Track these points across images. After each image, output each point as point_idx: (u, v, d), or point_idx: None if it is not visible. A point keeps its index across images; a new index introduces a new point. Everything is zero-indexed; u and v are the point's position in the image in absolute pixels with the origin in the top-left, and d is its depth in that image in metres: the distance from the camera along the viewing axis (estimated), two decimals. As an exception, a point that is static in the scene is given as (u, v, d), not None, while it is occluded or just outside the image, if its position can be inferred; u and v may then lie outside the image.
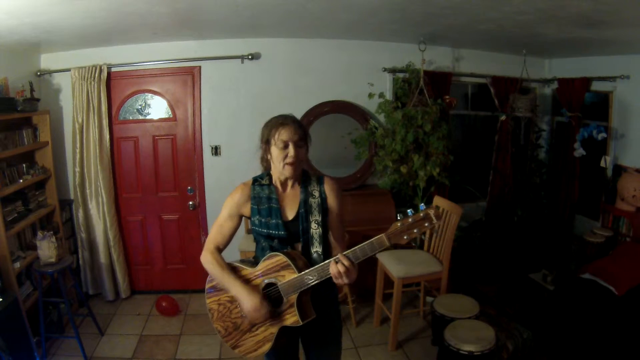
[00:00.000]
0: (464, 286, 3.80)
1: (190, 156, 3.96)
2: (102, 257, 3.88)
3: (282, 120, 1.73)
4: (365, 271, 3.53)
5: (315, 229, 1.75)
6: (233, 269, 1.77)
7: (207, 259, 1.79)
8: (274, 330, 1.73)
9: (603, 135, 3.84)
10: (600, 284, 3.07)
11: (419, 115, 3.63)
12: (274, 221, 1.75)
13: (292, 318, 1.69)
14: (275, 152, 1.71)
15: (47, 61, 3.73)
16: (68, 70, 3.64)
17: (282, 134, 1.69)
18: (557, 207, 4.39)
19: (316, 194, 1.79)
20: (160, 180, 4.00)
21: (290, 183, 1.81)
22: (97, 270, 3.95)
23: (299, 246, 1.76)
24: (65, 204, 3.89)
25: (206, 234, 4.05)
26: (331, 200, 1.80)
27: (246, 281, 1.75)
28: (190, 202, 3.99)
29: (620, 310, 2.87)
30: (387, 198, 3.81)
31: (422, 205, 1.49)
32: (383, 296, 3.48)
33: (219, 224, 1.82)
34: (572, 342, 2.93)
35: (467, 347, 2.48)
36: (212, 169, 3.97)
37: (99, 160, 3.73)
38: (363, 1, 2.68)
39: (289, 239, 1.76)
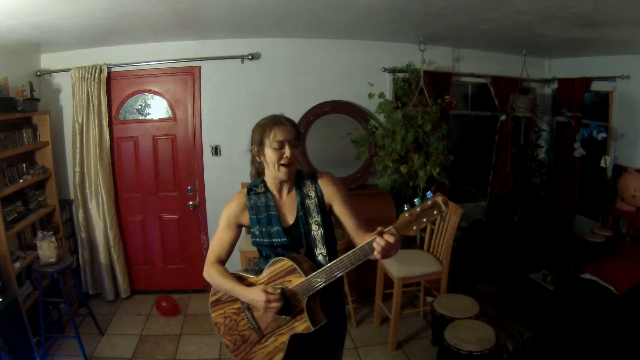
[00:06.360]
0: (464, 286, 3.80)
1: (190, 156, 3.96)
2: (102, 257, 3.88)
3: (276, 120, 1.65)
4: (366, 271, 3.54)
5: (316, 231, 1.68)
6: (238, 279, 1.70)
7: (208, 272, 1.73)
8: (285, 339, 1.65)
9: (603, 135, 3.84)
10: (600, 284, 3.07)
11: (419, 115, 3.64)
12: (275, 229, 1.69)
13: (302, 325, 1.61)
14: (269, 153, 1.64)
15: (47, 61, 3.73)
16: (68, 70, 3.64)
17: (278, 134, 1.61)
18: (557, 207, 4.39)
19: (312, 194, 1.71)
20: (160, 180, 4.00)
21: (286, 188, 1.73)
22: (97, 270, 3.95)
23: (303, 251, 1.70)
24: (65, 204, 3.88)
25: (206, 234, 4.05)
26: (329, 194, 1.71)
27: None
28: (190, 202, 3.99)
29: (620, 310, 2.87)
30: (387, 198, 3.81)
31: (429, 194, 1.42)
32: (383, 296, 3.48)
33: (218, 236, 1.76)
34: (572, 342, 2.92)
35: (467, 347, 2.48)
36: (212, 169, 3.96)
37: (99, 160, 3.73)
38: (363, 1, 2.67)
39: (292, 245, 1.69)
